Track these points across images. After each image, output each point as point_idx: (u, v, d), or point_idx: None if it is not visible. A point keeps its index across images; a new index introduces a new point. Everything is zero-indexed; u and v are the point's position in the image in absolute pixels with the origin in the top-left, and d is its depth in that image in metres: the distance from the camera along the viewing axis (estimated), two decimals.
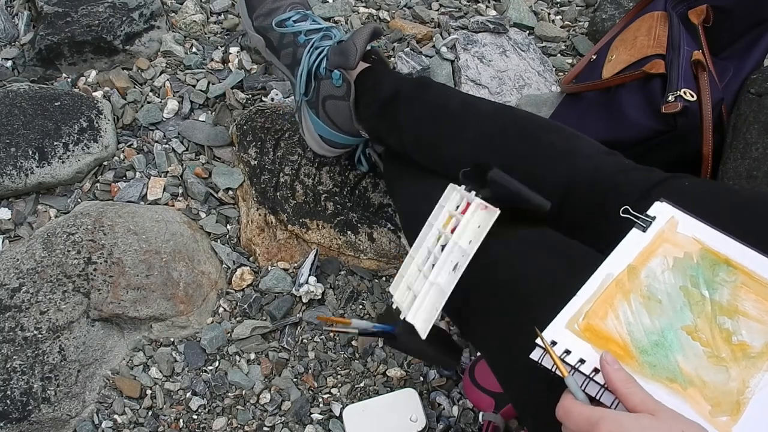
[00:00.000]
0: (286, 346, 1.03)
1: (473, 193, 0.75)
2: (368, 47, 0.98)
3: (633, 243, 0.65)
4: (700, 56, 1.01)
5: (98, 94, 1.24)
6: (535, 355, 0.60)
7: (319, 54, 0.99)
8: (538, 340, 0.60)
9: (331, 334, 1.03)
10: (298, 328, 1.04)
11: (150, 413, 0.98)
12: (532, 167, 0.79)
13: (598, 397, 0.57)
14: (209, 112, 1.24)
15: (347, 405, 0.96)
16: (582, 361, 0.59)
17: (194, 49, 1.32)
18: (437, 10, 1.40)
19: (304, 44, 1.01)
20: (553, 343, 0.60)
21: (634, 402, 0.55)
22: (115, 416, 0.97)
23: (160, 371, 1.01)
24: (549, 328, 0.61)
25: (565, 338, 0.60)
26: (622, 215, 0.66)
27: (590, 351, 0.59)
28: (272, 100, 1.24)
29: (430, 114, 0.90)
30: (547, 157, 0.80)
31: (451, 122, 0.88)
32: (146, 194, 1.14)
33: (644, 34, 1.10)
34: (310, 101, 1.03)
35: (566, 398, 0.58)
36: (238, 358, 1.02)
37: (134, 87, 1.26)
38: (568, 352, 0.59)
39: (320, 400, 0.99)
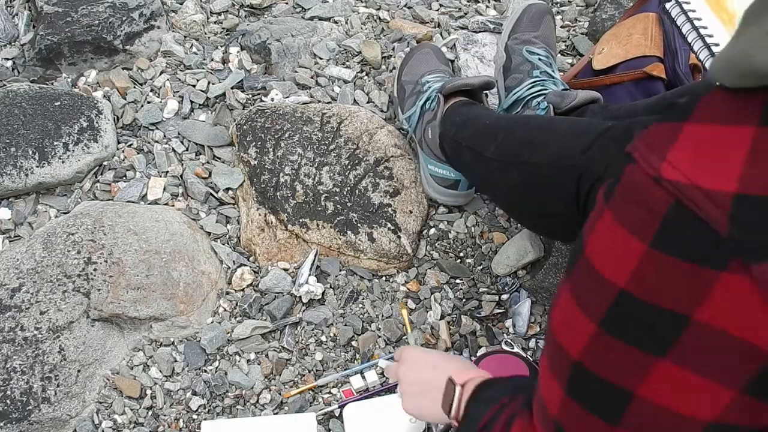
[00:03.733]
0: (286, 346, 1.03)
1: None
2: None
3: None
4: (696, 60, 1.02)
5: (98, 94, 1.24)
6: None
7: (539, 91, 1.08)
8: None
9: (331, 334, 1.04)
10: (298, 328, 1.04)
11: (150, 413, 0.98)
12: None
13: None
14: (209, 112, 1.24)
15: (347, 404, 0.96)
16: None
17: (194, 49, 1.31)
18: (437, 10, 1.40)
19: (532, 77, 1.11)
20: None
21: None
22: (115, 416, 0.97)
23: (160, 371, 1.01)
24: None
25: None
26: None
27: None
28: (272, 100, 1.24)
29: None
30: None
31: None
32: (146, 194, 1.14)
33: (640, 33, 1.11)
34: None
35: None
36: (238, 358, 1.02)
37: (134, 87, 1.26)
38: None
39: (320, 400, 0.99)
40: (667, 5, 1.11)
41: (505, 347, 1.01)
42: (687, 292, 0.41)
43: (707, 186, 0.39)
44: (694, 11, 1.08)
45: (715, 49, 1.03)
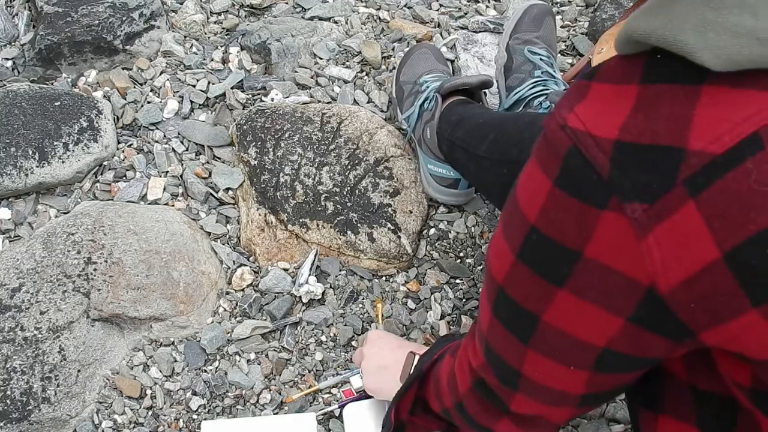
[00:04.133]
0: (286, 346, 1.03)
1: None
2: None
3: None
4: None
5: (98, 94, 1.24)
6: None
7: (541, 91, 1.09)
8: None
9: (331, 334, 1.04)
10: (298, 328, 1.04)
11: (150, 413, 0.98)
12: None
13: None
14: (209, 112, 1.24)
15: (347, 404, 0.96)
16: None
17: (194, 49, 1.32)
18: (437, 10, 1.40)
19: (534, 77, 1.13)
20: None
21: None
22: (115, 416, 0.97)
23: (160, 371, 1.01)
24: None
25: None
26: None
27: None
28: (272, 100, 1.24)
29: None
30: None
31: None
32: (146, 194, 1.14)
33: None
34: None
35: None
36: (238, 358, 1.02)
37: (134, 87, 1.26)
38: None
39: (320, 399, 0.99)
40: None
41: None
42: (578, 229, 0.46)
43: (597, 133, 0.44)
44: None
45: None
